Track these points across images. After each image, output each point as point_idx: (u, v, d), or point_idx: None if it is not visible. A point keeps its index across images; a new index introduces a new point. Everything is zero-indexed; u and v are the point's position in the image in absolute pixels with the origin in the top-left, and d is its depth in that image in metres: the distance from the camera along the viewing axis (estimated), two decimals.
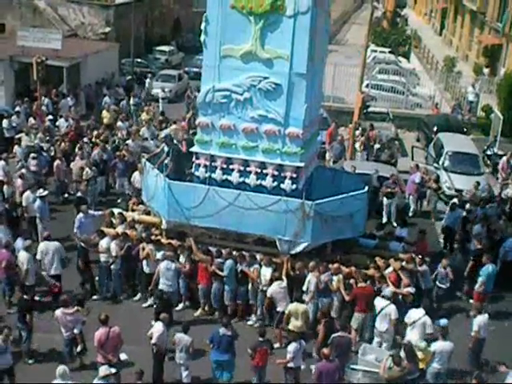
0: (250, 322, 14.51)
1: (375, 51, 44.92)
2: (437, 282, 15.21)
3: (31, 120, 24.25)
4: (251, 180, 14.97)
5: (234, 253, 14.56)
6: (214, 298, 14.63)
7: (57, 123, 24.50)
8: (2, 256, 14.30)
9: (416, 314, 12.96)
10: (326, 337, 12.69)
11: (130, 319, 13.93)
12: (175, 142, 19.19)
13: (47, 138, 22.59)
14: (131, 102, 28.48)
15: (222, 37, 14.49)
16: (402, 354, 11.90)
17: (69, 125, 24.06)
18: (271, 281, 13.88)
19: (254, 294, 14.42)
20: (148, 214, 16.50)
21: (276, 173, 14.87)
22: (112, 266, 15.01)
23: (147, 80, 33.23)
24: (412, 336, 12.74)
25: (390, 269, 14.45)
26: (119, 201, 19.85)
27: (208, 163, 15.19)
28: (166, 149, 17.28)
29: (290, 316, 13.13)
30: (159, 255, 14.58)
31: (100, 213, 17.01)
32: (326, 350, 11.51)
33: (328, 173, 17.85)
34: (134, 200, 17.67)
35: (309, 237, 14.52)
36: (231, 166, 15.08)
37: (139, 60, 38.07)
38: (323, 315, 13.33)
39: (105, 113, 26.26)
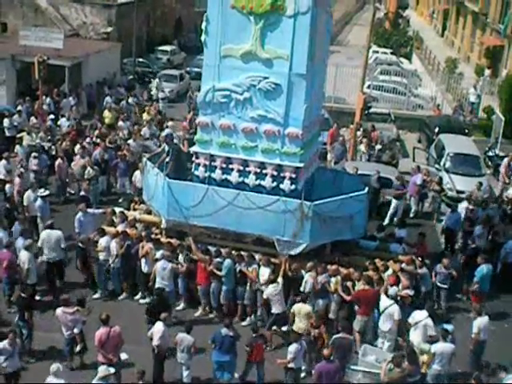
0: (244, 323, 14.42)
1: (377, 52, 44.90)
2: (437, 283, 15.18)
3: (33, 119, 24.31)
4: (250, 180, 14.96)
5: (233, 252, 14.56)
6: (213, 297, 14.64)
7: (58, 122, 24.55)
8: (4, 256, 14.33)
9: (419, 316, 12.94)
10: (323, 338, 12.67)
11: (131, 319, 13.93)
12: (176, 141, 19.21)
13: (49, 137, 22.63)
14: (129, 101, 28.51)
15: (223, 36, 14.51)
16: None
17: (70, 124, 24.12)
18: (270, 281, 13.85)
19: (252, 295, 14.41)
20: (149, 213, 16.51)
21: (275, 173, 14.85)
22: (111, 265, 15.04)
23: (156, 80, 33.28)
24: (414, 337, 12.74)
25: (390, 271, 14.42)
26: (120, 200, 19.85)
27: (208, 163, 15.20)
28: (166, 148, 17.30)
29: (294, 316, 13.12)
30: (158, 254, 14.60)
31: (100, 211, 17.04)
32: (326, 351, 11.50)
33: (329, 174, 17.84)
34: (136, 199, 17.70)
35: (307, 237, 14.50)
36: (231, 166, 15.08)
37: (141, 60, 38.10)
38: (320, 317, 13.25)
39: (106, 113, 26.30)
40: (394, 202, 19.80)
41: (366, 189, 15.75)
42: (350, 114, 27.02)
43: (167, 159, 16.41)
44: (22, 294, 13.14)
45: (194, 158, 15.58)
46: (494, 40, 40.38)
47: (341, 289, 13.85)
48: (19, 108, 25.15)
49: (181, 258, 14.78)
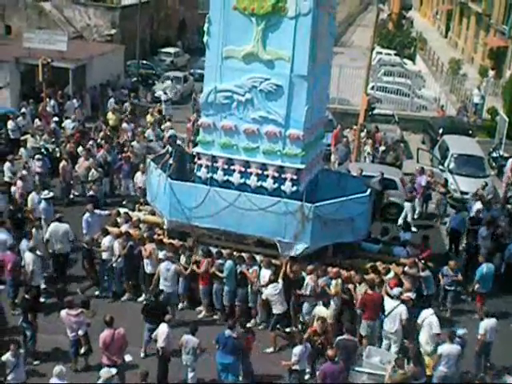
0: (248, 325, 14.28)
1: (380, 53, 44.90)
2: (445, 285, 15.12)
3: (37, 121, 24.39)
4: (252, 181, 14.94)
5: (235, 254, 14.56)
6: (216, 298, 14.65)
7: (62, 125, 24.60)
8: (8, 258, 14.36)
9: (424, 314, 12.97)
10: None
11: (135, 320, 13.92)
12: (179, 142, 19.23)
13: (53, 139, 22.67)
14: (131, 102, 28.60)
15: (224, 38, 14.52)
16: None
17: (74, 126, 24.16)
18: (270, 282, 13.83)
19: (254, 296, 14.40)
20: (154, 214, 16.54)
21: (276, 174, 14.81)
22: (114, 265, 15.08)
23: (168, 81, 33.27)
24: (421, 336, 12.74)
25: (392, 274, 14.33)
26: (124, 202, 19.89)
27: (210, 164, 15.21)
28: (170, 149, 17.33)
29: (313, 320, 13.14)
30: (161, 255, 14.63)
31: (107, 212, 17.12)
32: (330, 352, 11.49)
33: (333, 176, 17.77)
34: (142, 200, 17.74)
35: (308, 239, 14.45)
36: (232, 167, 15.07)
37: (144, 62, 38.20)
38: (319, 319, 13.16)
39: (110, 115, 26.35)
40: (406, 206, 19.73)
41: (369, 191, 15.68)
42: (353, 115, 27.02)
43: (170, 160, 16.43)
44: (26, 296, 13.16)
45: (196, 159, 15.59)
46: (497, 41, 40.27)
47: (341, 292, 13.75)
48: (23, 110, 25.19)
49: (183, 258, 14.79)
